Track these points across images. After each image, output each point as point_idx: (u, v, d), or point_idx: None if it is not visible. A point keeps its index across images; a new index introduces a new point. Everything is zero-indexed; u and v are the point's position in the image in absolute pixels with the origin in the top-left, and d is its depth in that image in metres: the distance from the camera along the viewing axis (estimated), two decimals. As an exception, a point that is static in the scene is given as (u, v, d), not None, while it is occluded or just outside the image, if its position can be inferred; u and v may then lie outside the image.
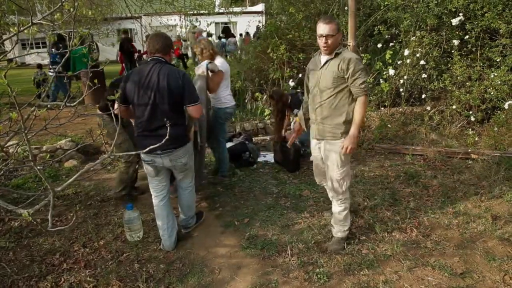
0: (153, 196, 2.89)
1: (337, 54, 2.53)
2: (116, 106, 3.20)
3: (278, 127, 4.57)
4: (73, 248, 2.93)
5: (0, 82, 1.65)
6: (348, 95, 2.54)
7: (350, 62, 2.45)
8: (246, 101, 6.95)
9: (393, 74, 5.44)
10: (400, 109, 5.62)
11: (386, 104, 5.61)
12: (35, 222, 3.10)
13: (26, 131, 1.76)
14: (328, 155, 2.65)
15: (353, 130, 2.51)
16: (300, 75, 6.24)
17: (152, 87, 2.60)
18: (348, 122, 2.56)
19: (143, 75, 2.63)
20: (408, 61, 5.41)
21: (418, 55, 5.43)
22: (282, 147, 4.36)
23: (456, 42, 5.23)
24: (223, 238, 3.05)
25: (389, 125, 5.24)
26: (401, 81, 5.49)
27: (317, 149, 2.79)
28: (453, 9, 5.36)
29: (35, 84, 9.19)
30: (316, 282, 2.42)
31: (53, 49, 8.14)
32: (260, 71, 7.32)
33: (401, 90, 5.54)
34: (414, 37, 5.48)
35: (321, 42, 2.50)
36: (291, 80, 6.09)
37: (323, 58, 2.60)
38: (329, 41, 2.46)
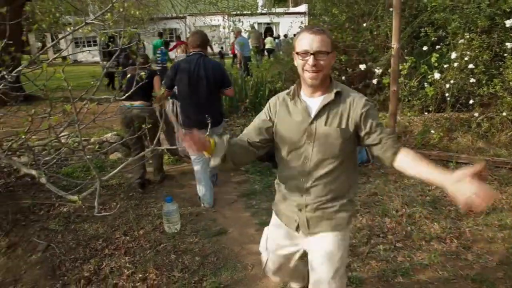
0: (194, 164, 3.54)
1: (338, 94, 1.53)
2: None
3: None
4: (115, 235, 3.10)
5: (55, 77, 1.81)
6: (354, 159, 1.67)
7: (366, 109, 1.51)
8: (286, 101, 6.96)
9: (438, 78, 5.22)
10: (445, 115, 5.38)
11: (430, 109, 5.39)
12: (83, 207, 3.34)
13: (78, 123, 1.90)
14: (326, 255, 1.63)
15: (444, 175, 1.37)
16: (343, 77, 6.15)
17: (201, 75, 3.25)
18: (353, 198, 1.69)
19: (192, 65, 3.27)
20: (455, 64, 5.17)
21: (466, 58, 5.17)
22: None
23: (509, 45, 4.92)
24: (258, 235, 3.07)
25: (432, 131, 5.04)
26: (447, 85, 5.26)
27: (291, 248, 1.77)
28: (508, 10, 5.06)
29: (106, 74, 10.35)
30: (348, 286, 2.39)
31: (162, 47, 9.71)
32: (300, 72, 7.29)
33: (446, 95, 5.30)
34: (462, 40, 5.23)
35: (304, 64, 1.47)
36: None
37: (312, 101, 1.55)
38: (322, 62, 1.45)
